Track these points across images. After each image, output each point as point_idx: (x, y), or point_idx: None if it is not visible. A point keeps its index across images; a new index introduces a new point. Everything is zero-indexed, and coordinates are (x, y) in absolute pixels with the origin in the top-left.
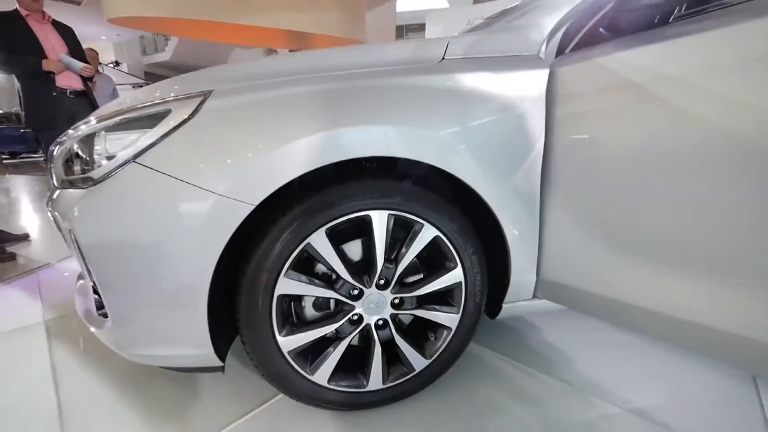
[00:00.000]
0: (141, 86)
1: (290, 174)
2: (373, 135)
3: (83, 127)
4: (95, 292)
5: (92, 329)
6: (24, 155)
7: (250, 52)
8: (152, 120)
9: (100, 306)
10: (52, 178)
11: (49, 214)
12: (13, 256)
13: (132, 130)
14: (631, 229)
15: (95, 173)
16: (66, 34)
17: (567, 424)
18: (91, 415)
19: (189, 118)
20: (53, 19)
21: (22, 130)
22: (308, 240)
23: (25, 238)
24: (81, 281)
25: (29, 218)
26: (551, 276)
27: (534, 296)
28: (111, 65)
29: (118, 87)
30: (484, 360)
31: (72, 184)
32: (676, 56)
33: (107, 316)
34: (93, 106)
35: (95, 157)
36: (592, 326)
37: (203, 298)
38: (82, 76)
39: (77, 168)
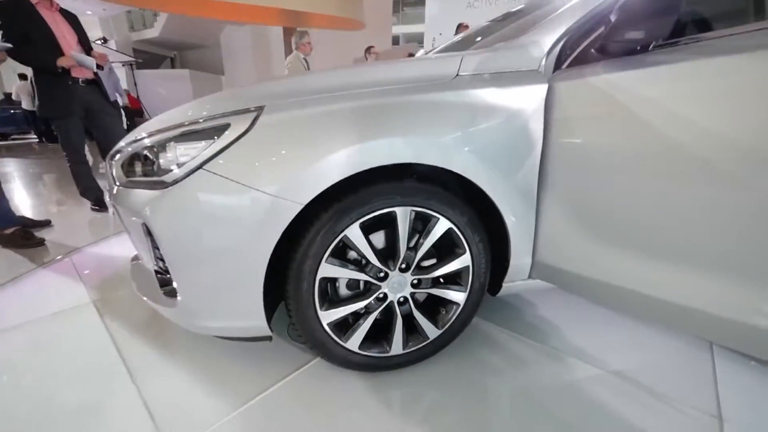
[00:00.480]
0: (131, 65)
1: (332, 179)
2: (400, 145)
3: (147, 136)
4: (158, 274)
5: (157, 307)
6: (15, 137)
7: (242, 29)
8: (214, 132)
9: (162, 286)
10: (112, 177)
11: (111, 208)
12: (42, 242)
13: (197, 141)
14: (612, 220)
15: (167, 177)
16: (74, 22)
17: (555, 382)
18: (155, 375)
19: (247, 131)
20: (60, 7)
21: (12, 111)
22: (345, 232)
23: (47, 223)
24: (135, 263)
25: (39, 203)
26: (544, 259)
27: (529, 277)
28: (99, 42)
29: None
30: (485, 331)
31: (142, 186)
32: (650, 80)
33: (173, 296)
34: (103, 93)
35: (165, 163)
36: (578, 303)
37: (260, 280)
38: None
39: (143, 170)
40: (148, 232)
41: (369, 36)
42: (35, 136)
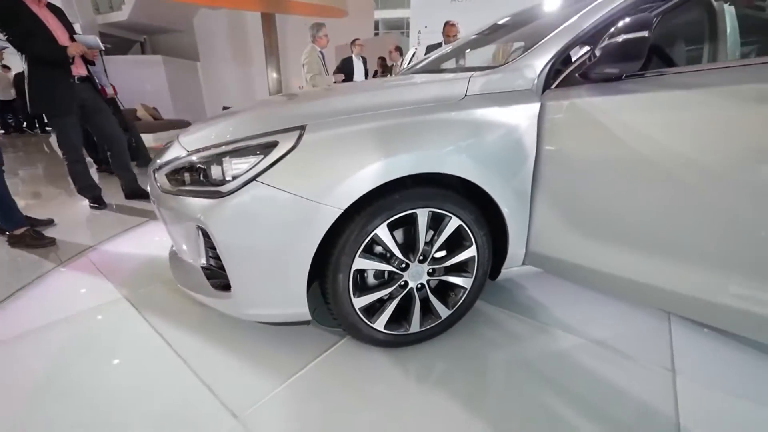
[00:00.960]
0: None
1: (366, 188)
2: (422, 158)
3: (200, 150)
4: (206, 270)
5: (205, 299)
6: None
7: (217, 13)
8: (264, 149)
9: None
10: (156, 184)
11: (157, 211)
12: (53, 241)
13: (249, 156)
14: (591, 215)
15: (224, 188)
16: (61, 15)
17: (544, 351)
18: (205, 359)
19: (293, 148)
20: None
21: None
22: (375, 231)
23: (50, 222)
24: (175, 261)
25: (35, 202)
26: (536, 249)
27: (523, 263)
28: None
29: None
30: (485, 311)
31: (197, 194)
32: (621, 105)
33: (226, 289)
34: (95, 89)
35: (220, 175)
36: (563, 284)
37: (305, 273)
38: (86, 62)
39: (197, 180)
40: (204, 235)
41: (351, 23)
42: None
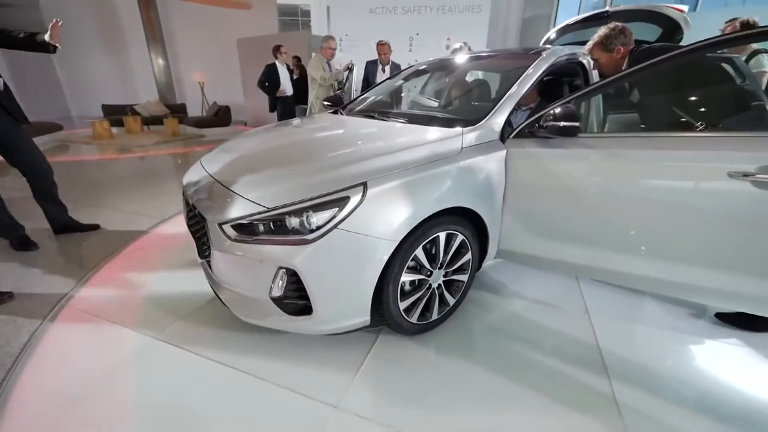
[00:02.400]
0: None
1: (412, 224)
2: (444, 198)
3: (279, 207)
4: (277, 301)
5: (281, 325)
6: None
7: None
8: (339, 202)
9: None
10: (220, 233)
11: (220, 256)
12: (11, 295)
13: (327, 209)
14: (538, 221)
15: (309, 236)
16: None
17: (505, 312)
18: (277, 369)
19: (361, 200)
20: None
21: None
22: (415, 253)
23: (95, 227)
24: (235, 302)
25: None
26: (503, 246)
27: (495, 257)
28: None
29: None
30: (469, 293)
31: (281, 243)
32: (555, 154)
33: (306, 313)
34: (10, 114)
35: (304, 225)
36: (512, 268)
37: (371, 291)
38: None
39: (282, 231)
40: (288, 273)
41: (253, 16)
42: None
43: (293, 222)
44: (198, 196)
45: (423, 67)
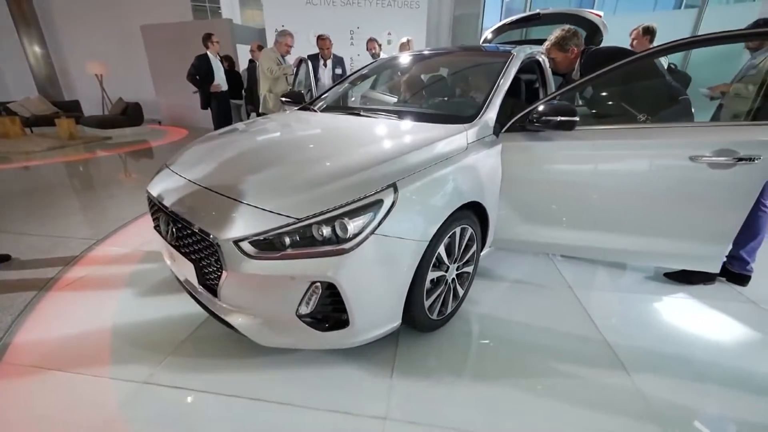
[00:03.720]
0: None
1: (439, 223)
2: (462, 193)
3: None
4: (305, 317)
5: (312, 343)
6: None
7: None
8: (373, 207)
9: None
10: (243, 253)
11: (236, 277)
12: None
13: (362, 215)
14: (527, 210)
15: (347, 245)
16: None
17: (496, 296)
18: (306, 387)
19: (394, 202)
20: None
21: None
22: (437, 251)
23: (5, 258)
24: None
25: None
26: (498, 235)
27: (490, 246)
28: None
29: None
30: None
31: (315, 255)
32: (542, 146)
33: (341, 327)
34: None
35: (340, 234)
36: (501, 254)
37: (405, 294)
38: None
39: (299, 242)
40: (324, 288)
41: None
42: None
43: (325, 231)
44: (190, 210)
45: (391, 62)
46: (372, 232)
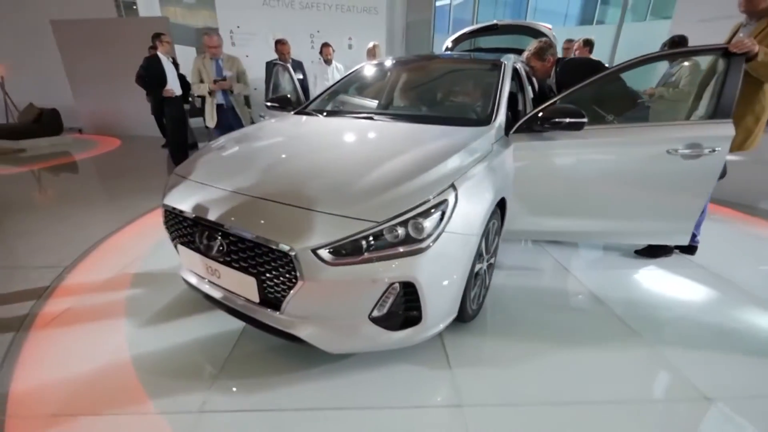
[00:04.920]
0: None
1: (487, 218)
2: (498, 189)
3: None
4: (377, 318)
5: (384, 344)
6: None
7: None
8: (440, 206)
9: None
10: (320, 260)
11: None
12: None
13: (432, 214)
14: (534, 202)
15: (423, 244)
16: None
17: (503, 282)
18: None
19: (456, 201)
20: None
21: None
22: (480, 243)
23: None
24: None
25: None
26: (507, 227)
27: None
28: None
29: None
30: None
31: (395, 256)
32: (546, 145)
33: (412, 324)
34: None
35: (411, 235)
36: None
37: (463, 287)
38: None
39: (376, 246)
40: (403, 287)
41: None
42: None
43: (400, 232)
44: (248, 222)
45: (384, 69)
46: (443, 230)
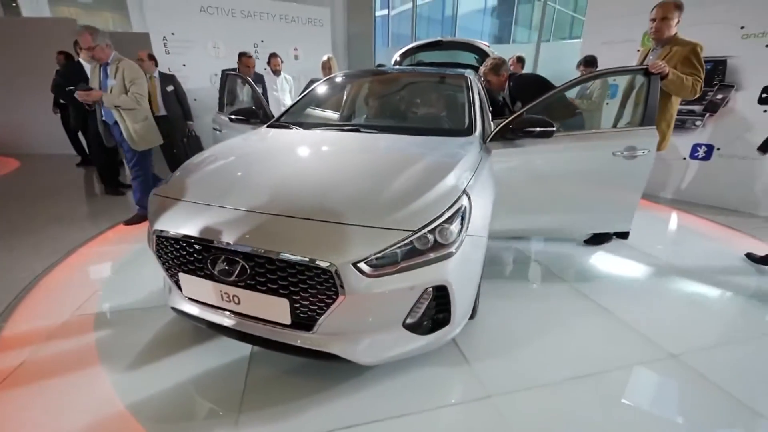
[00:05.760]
0: None
1: (489, 221)
2: (491, 194)
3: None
4: (408, 327)
5: (417, 349)
6: None
7: None
8: (460, 211)
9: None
10: (362, 273)
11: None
12: None
13: (455, 220)
14: (508, 203)
15: (453, 248)
16: None
17: (502, 280)
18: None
19: (470, 206)
20: None
21: None
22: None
23: None
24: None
25: None
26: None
27: None
28: None
29: None
30: None
31: (429, 262)
32: (514, 151)
33: (440, 326)
34: None
35: (445, 239)
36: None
37: (478, 286)
38: None
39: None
40: (436, 290)
41: None
42: None
43: (430, 238)
44: (276, 242)
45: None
46: (465, 234)
